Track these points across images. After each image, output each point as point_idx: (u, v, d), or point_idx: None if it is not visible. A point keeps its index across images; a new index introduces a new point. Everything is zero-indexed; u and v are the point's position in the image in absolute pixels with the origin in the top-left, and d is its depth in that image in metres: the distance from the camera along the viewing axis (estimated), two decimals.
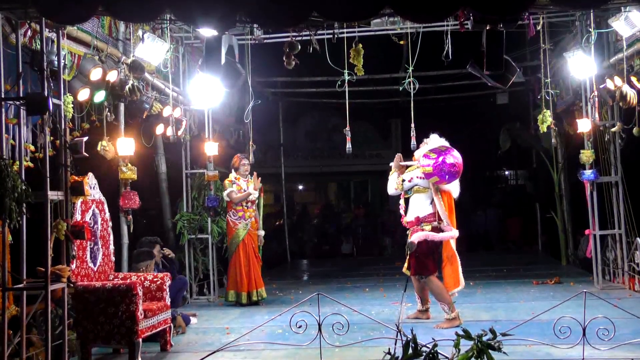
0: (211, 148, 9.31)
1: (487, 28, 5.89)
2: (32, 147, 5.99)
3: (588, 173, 8.77)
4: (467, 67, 6.60)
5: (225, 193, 8.64)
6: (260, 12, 5.27)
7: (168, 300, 6.48)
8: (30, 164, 5.78)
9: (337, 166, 18.69)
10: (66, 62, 6.26)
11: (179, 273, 8.20)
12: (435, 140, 7.11)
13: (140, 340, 5.82)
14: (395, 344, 4.82)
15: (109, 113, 7.17)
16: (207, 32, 6.22)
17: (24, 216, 5.12)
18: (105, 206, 6.60)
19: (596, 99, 8.66)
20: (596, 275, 9.07)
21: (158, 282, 6.48)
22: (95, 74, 6.67)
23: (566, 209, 12.72)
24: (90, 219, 6.24)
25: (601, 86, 8.34)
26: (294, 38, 7.59)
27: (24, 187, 4.98)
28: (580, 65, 8.49)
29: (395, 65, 12.80)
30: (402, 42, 8.73)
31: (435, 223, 6.93)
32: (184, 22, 6.69)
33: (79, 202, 5.98)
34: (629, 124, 8.52)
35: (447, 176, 6.74)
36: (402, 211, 7.23)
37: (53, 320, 5.67)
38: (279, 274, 12.77)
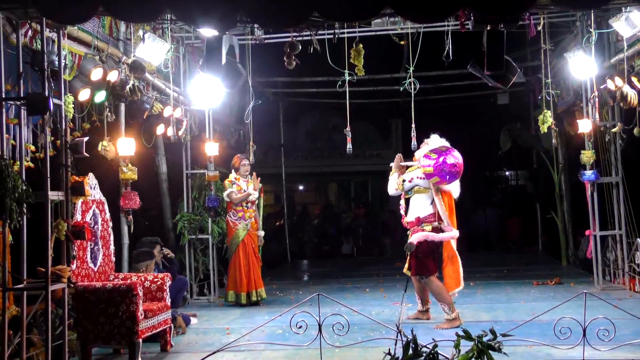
0: (212, 148, 9.31)
1: (488, 28, 5.88)
2: (33, 147, 5.99)
3: (588, 173, 8.77)
4: (468, 68, 6.58)
5: (225, 193, 8.64)
6: (261, 12, 5.27)
7: (168, 301, 6.48)
8: (31, 164, 5.78)
9: (338, 166, 18.69)
10: (67, 62, 6.26)
11: (179, 273, 8.20)
12: (435, 141, 7.11)
13: (141, 340, 5.82)
14: (396, 345, 4.81)
15: (109, 113, 7.17)
16: (208, 32, 6.21)
17: (25, 216, 5.12)
18: (106, 206, 6.60)
19: (597, 99, 8.65)
20: (596, 276, 9.07)
21: (158, 283, 6.48)
22: (96, 74, 6.67)
23: (566, 209, 12.72)
24: (90, 219, 6.24)
25: (602, 86, 8.33)
26: (294, 38, 7.59)
27: (24, 187, 4.98)
28: (581, 65, 8.49)
29: (395, 66, 12.80)
30: (402, 42, 8.73)
31: (436, 223, 6.93)
32: (185, 22, 6.69)
33: (79, 202, 5.98)
34: (629, 125, 8.52)
35: (447, 176, 6.74)
36: (402, 211, 7.23)
37: (53, 320, 5.68)
38: (279, 274, 12.77)
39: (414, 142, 8.21)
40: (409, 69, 8.85)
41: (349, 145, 8.66)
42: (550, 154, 12.65)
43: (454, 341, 4.62)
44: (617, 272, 9.22)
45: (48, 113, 5.30)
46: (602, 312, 5.64)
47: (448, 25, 8.22)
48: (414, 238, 6.93)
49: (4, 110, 5.35)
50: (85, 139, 5.79)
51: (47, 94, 5.30)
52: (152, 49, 7.73)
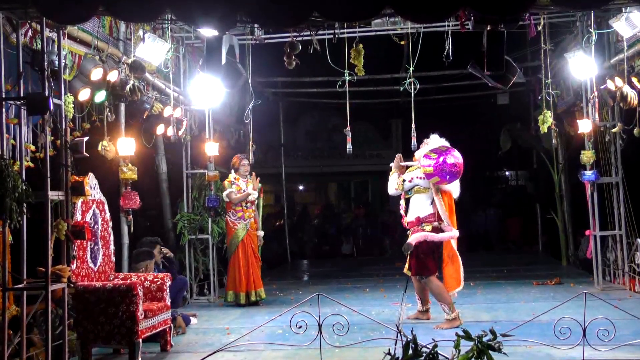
0: (212, 148, 9.31)
1: (488, 28, 5.88)
2: (33, 147, 5.99)
3: (588, 174, 8.77)
4: (468, 68, 6.58)
5: (224, 194, 8.64)
6: (261, 12, 5.27)
7: (168, 301, 6.48)
8: (31, 164, 5.78)
9: (338, 166, 18.69)
10: (67, 62, 6.26)
11: (179, 273, 8.20)
12: (435, 141, 7.11)
13: (141, 340, 5.82)
14: (396, 345, 4.81)
15: (109, 113, 7.16)
16: (208, 32, 6.21)
17: (25, 216, 5.12)
18: (106, 206, 6.60)
19: (596, 99, 8.65)
20: (596, 276, 9.07)
21: (158, 283, 6.48)
22: (96, 74, 6.67)
23: (567, 209, 12.72)
24: (90, 219, 6.24)
25: (602, 87, 8.33)
26: (294, 38, 7.59)
27: (24, 187, 4.98)
28: (581, 65, 8.49)
29: (395, 66, 12.80)
30: (402, 43, 8.73)
31: (436, 223, 6.93)
32: (185, 22, 6.68)
33: (79, 202, 5.98)
34: (629, 125, 8.52)
35: (448, 176, 6.74)
36: (402, 211, 7.23)
37: (53, 320, 5.67)
38: (279, 274, 12.77)
39: (414, 142, 8.21)
40: (409, 69, 8.85)
41: (349, 145, 8.65)
42: (550, 154, 12.65)
43: (453, 341, 4.62)
44: (617, 272, 9.21)
45: (48, 113, 5.30)
46: (602, 313, 5.63)
47: (448, 26, 8.21)
48: (413, 238, 6.93)
49: (4, 110, 5.35)
50: (85, 138, 5.80)
51: (47, 94, 5.30)
52: (152, 49, 7.73)
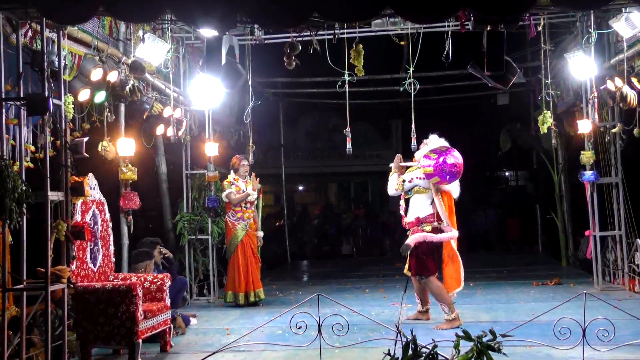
0: (211, 148, 9.31)
1: (488, 29, 5.88)
2: (33, 148, 6.00)
3: (588, 174, 8.77)
4: (468, 68, 6.58)
5: (224, 194, 8.64)
6: (261, 13, 5.28)
7: (168, 301, 6.48)
8: (31, 165, 5.78)
9: (338, 167, 18.70)
10: (67, 63, 6.26)
11: (179, 274, 8.20)
12: (434, 141, 7.11)
13: (140, 341, 5.82)
14: (395, 345, 4.82)
15: (109, 113, 7.17)
16: (208, 32, 6.21)
17: (24, 217, 5.12)
18: (106, 207, 6.60)
19: (596, 99, 8.65)
20: (596, 277, 9.07)
21: (158, 283, 6.48)
22: (96, 75, 6.67)
23: (566, 209, 12.72)
24: (90, 220, 6.24)
25: (602, 87, 8.33)
26: (294, 38, 7.58)
27: (24, 188, 4.98)
28: (581, 66, 8.49)
29: (395, 66, 12.80)
30: (402, 43, 8.73)
31: (436, 224, 6.93)
32: (185, 22, 6.69)
33: (79, 202, 5.98)
34: (629, 125, 8.52)
35: (448, 176, 6.75)
36: (402, 212, 7.23)
37: (53, 321, 5.67)
38: (279, 274, 12.76)
39: (413, 142, 8.20)
40: (408, 69, 8.84)
41: (349, 146, 8.65)
42: (550, 154, 12.65)
43: (453, 342, 4.62)
44: (617, 272, 9.21)
45: (48, 113, 5.30)
46: (601, 313, 5.63)
47: (448, 26, 8.21)
48: (411, 239, 6.93)
49: (3, 110, 5.35)
50: (85, 139, 5.80)
51: (47, 94, 5.30)
52: (152, 49, 7.73)
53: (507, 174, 21.20)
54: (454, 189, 7.09)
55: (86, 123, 6.92)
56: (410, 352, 4.49)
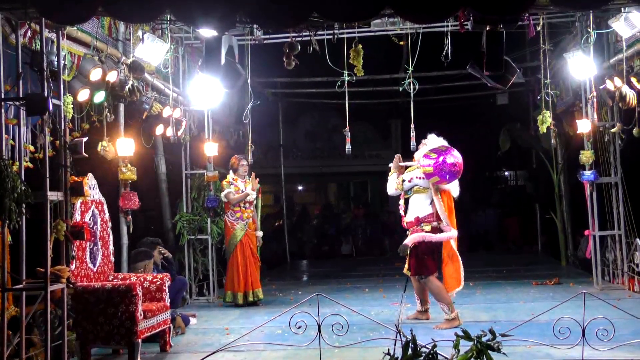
0: (211, 148, 9.31)
1: (487, 29, 5.89)
2: (32, 148, 6.00)
3: (588, 174, 8.77)
4: (467, 68, 6.59)
5: (222, 194, 8.64)
6: (260, 13, 5.28)
7: (167, 301, 6.48)
8: (30, 165, 5.78)
9: (337, 166, 18.71)
10: (66, 63, 6.26)
11: (178, 274, 8.21)
12: (433, 140, 7.11)
13: (140, 340, 5.82)
14: (395, 345, 4.82)
15: (108, 113, 7.17)
16: (207, 32, 6.21)
17: (24, 217, 5.12)
18: (105, 207, 6.60)
19: (595, 99, 8.65)
20: (596, 276, 9.07)
21: (157, 283, 6.48)
22: (95, 75, 6.67)
23: (566, 209, 12.72)
24: (89, 220, 6.24)
25: (601, 87, 8.34)
26: (293, 38, 7.58)
27: (23, 188, 4.98)
28: (580, 65, 8.49)
29: (395, 66, 12.80)
30: (402, 43, 8.72)
31: (435, 223, 6.93)
32: (184, 22, 6.69)
33: (78, 202, 5.98)
34: (628, 125, 8.52)
35: (447, 176, 6.75)
36: (401, 211, 7.23)
37: (52, 320, 5.67)
38: (279, 274, 12.77)
39: (413, 142, 8.20)
40: (408, 69, 8.84)
41: (348, 146, 8.65)
42: (549, 154, 12.65)
43: (453, 341, 4.62)
44: (616, 272, 9.21)
45: (47, 113, 5.30)
46: (601, 312, 5.64)
47: (447, 26, 8.21)
48: (409, 239, 6.94)
49: (3, 110, 5.35)
50: (85, 139, 5.80)
51: (46, 95, 5.30)
52: (152, 49, 7.72)
53: (506, 173, 21.22)
54: (453, 188, 7.09)
55: (85, 123, 6.92)
56: (409, 351, 4.50)
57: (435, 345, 4.54)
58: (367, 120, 18.12)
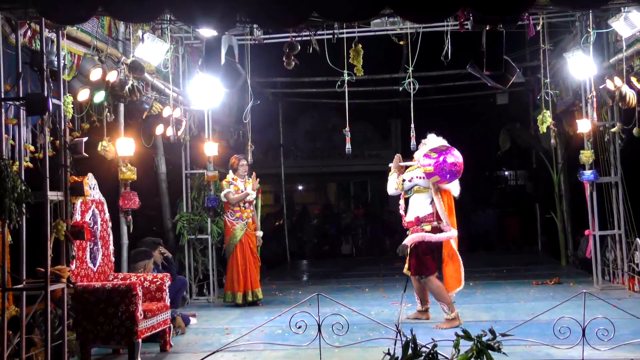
0: (211, 148, 9.31)
1: (487, 28, 5.89)
2: (32, 148, 6.00)
3: (588, 173, 8.77)
4: (467, 68, 6.60)
5: (222, 194, 8.64)
6: (260, 12, 5.28)
7: (168, 301, 6.48)
8: (30, 164, 5.78)
9: (337, 166, 18.71)
10: (66, 63, 6.26)
11: (178, 273, 8.20)
12: (433, 140, 7.11)
13: (140, 340, 5.82)
14: (395, 345, 4.82)
15: (108, 113, 7.16)
16: (207, 32, 6.21)
17: (24, 216, 5.12)
18: (105, 206, 6.60)
19: (594, 99, 8.65)
20: (596, 276, 9.07)
21: (158, 283, 6.48)
22: (95, 74, 6.67)
23: (566, 209, 12.72)
24: (90, 220, 6.24)
25: (601, 86, 8.34)
26: (293, 38, 7.58)
27: (23, 188, 4.97)
28: (580, 65, 8.49)
29: (395, 66, 12.80)
30: (401, 43, 8.73)
31: (435, 223, 6.93)
32: (184, 22, 6.69)
33: (78, 202, 5.98)
34: (628, 125, 8.53)
35: (448, 175, 6.75)
36: (402, 211, 7.23)
37: (53, 320, 5.67)
38: (279, 274, 12.77)
39: (413, 142, 8.20)
40: (408, 69, 8.85)
41: (348, 146, 8.65)
42: (549, 154, 12.65)
43: (453, 341, 4.62)
44: (617, 271, 9.22)
45: (47, 113, 5.30)
46: (601, 312, 5.64)
47: (447, 26, 8.21)
48: (409, 240, 6.94)
49: (3, 110, 5.35)
50: (85, 139, 5.80)
51: (46, 94, 5.30)
52: (151, 49, 7.72)
53: (506, 173, 21.22)
54: (454, 188, 7.09)
55: (85, 123, 6.92)
56: (410, 351, 4.49)
57: (435, 345, 4.54)
58: (367, 120, 18.13)
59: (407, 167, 7.22)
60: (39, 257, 5.30)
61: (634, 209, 9.09)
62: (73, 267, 5.86)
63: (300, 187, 20.76)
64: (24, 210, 5.04)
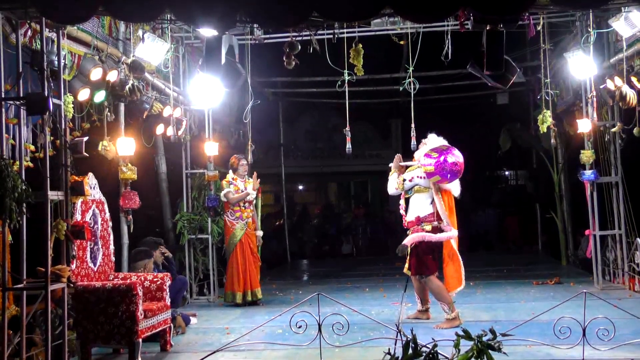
0: (211, 148, 9.31)
1: (487, 28, 5.89)
2: (32, 147, 6.00)
3: (588, 173, 8.77)
4: (467, 67, 6.59)
5: (222, 193, 8.64)
6: (261, 12, 5.28)
7: (168, 301, 6.48)
8: (31, 164, 5.78)
9: (337, 166, 18.71)
10: (66, 62, 6.26)
11: (178, 273, 8.21)
12: (433, 140, 7.11)
13: (140, 340, 5.82)
14: (395, 344, 4.82)
15: (109, 113, 7.16)
16: (207, 32, 6.21)
17: (24, 216, 5.12)
18: (106, 206, 6.60)
19: (594, 99, 8.65)
20: (596, 276, 9.07)
21: (158, 282, 6.48)
22: (96, 74, 6.67)
23: (566, 209, 12.72)
24: (90, 219, 6.24)
25: (601, 86, 8.34)
26: (294, 38, 7.59)
27: (24, 187, 4.97)
28: (580, 65, 8.49)
29: (395, 66, 12.80)
30: (402, 42, 8.72)
31: (436, 223, 6.93)
32: (184, 22, 6.69)
33: (79, 202, 5.98)
34: (629, 124, 8.52)
35: (448, 175, 6.75)
36: (402, 211, 7.22)
37: (53, 320, 5.67)
38: (279, 274, 12.77)
39: (413, 142, 8.20)
40: (408, 68, 8.85)
41: (349, 145, 8.65)
42: (549, 153, 12.66)
43: (453, 341, 4.62)
44: (617, 271, 9.22)
45: (47, 113, 5.30)
46: (601, 312, 5.64)
47: (447, 25, 8.21)
48: (408, 240, 6.94)
49: (3, 110, 5.35)
50: (85, 138, 5.80)
51: (46, 94, 5.30)
52: (152, 48, 7.73)
53: (506, 173, 21.21)
54: (454, 187, 7.09)
55: (86, 122, 6.91)
56: (410, 351, 4.49)
57: (435, 345, 4.53)
58: (367, 120, 18.12)
59: (407, 166, 7.22)
60: (40, 257, 5.30)
61: (634, 208, 9.09)
62: (73, 266, 5.86)
63: (300, 187, 20.76)
64: (25, 210, 5.04)
